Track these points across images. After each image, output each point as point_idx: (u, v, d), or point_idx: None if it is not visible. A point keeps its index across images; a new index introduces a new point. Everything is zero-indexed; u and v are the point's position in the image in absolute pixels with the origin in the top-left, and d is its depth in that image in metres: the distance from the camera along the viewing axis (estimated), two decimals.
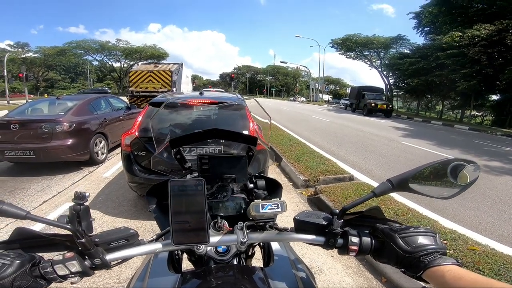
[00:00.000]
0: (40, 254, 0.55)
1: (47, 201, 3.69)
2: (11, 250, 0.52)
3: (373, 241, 0.61)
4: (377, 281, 2.22)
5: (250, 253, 0.95)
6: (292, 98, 55.47)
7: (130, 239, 0.60)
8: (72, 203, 0.59)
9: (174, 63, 13.52)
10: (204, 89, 4.45)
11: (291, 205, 3.64)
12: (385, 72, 34.34)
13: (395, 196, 3.56)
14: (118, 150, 6.05)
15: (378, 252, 0.61)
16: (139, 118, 3.25)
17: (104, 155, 5.64)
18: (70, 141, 4.70)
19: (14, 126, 4.54)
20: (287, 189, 4.20)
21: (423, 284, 0.60)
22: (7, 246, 0.54)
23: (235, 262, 0.78)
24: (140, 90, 11.72)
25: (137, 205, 3.52)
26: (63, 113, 5.01)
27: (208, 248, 0.73)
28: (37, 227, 2.63)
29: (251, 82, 75.63)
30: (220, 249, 0.75)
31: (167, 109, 3.07)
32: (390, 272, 2.18)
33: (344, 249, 0.63)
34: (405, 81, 26.22)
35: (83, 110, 5.36)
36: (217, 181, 0.84)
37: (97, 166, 5.31)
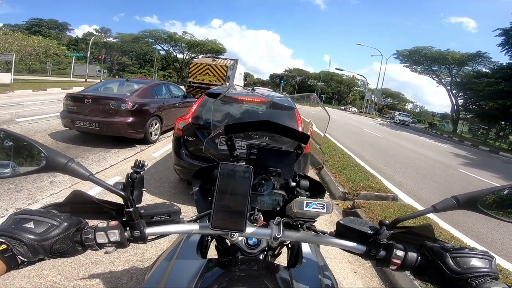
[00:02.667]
0: (88, 221, 0.57)
1: (100, 172, 4.03)
2: (63, 212, 0.54)
3: (419, 257, 0.57)
4: None
5: (276, 252, 0.94)
6: (343, 107, 53.01)
7: (172, 215, 0.61)
8: (130, 171, 0.61)
9: (230, 59, 14.03)
10: (255, 87, 4.48)
11: (324, 216, 3.54)
12: (454, 91, 31.32)
13: (439, 220, 3.34)
14: (170, 133, 6.58)
15: (421, 269, 0.57)
16: (194, 106, 3.47)
17: (157, 136, 6.09)
18: (130, 119, 5.23)
19: (87, 100, 5.18)
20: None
21: None
22: (60, 208, 0.56)
23: (261, 258, 0.78)
24: (197, 81, 12.39)
25: (177, 188, 3.74)
26: (129, 94, 5.64)
27: (239, 239, 0.72)
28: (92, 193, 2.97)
29: (301, 86, 73.90)
30: (250, 242, 0.75)
31: (221, 101, 3.18)
32: None
33: (384, 261, 0.59)
34: (478, 103, 23.51)
35: (147, 93, 5.92)
36: (261, 173, 0.84)
37: (148, 145, 5.75)
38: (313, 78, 75.63)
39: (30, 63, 25.35)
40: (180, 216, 0.63)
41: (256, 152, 0.85)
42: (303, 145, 0.86)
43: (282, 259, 0.91)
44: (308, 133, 0.87)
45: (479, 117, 24.76)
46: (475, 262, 0.51)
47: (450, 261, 0.52)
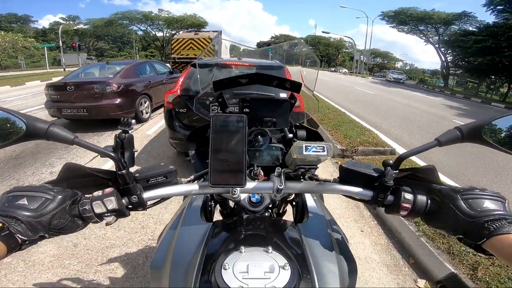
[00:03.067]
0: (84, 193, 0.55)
1: (97, 157, 4.01)
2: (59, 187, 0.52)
3: (429, 200, 0.53)
4: (404, 261, 2.07)
5: (281, 211, 0.92)
6: (333, 69, 52.45)
7: (169, 176, 0.58)
8: (119, 131, 0.58)
9: (213, 31, 13.62)
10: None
11: (324, 174, 3.54)
12: (443, 49, 31.64)
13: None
14: (161, 110, 6.44)
15: (432, 215, 0.53)
16: (181, 79, 3.41)
17: (148, 114, 6.15)
18: (118, 101, 5.22)
19: (69, 88, 5.07)
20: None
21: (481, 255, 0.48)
22: (54, 184, 0.53)
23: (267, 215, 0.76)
24: (182, 56, 11.98)
25: (176, 162, 3.70)
26: (112, 76, 5.57)
27: (242, 197, 0.71)
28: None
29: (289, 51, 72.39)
30: (253, 199, 0.72)
31: (209, 70, 3.15)
32: (420, 254, 2.02)
33: (394, 207, 0.55)
34: (467, 59, 23.98)
35: (130, 73, 5.85)
36: (256, 124, 0.81)
37: (141, 124, 5.77)
38: None
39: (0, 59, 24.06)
40: (178, 178, 0.61)
41: (249, 104, 0.83)
42: (296, 95, 0.82)
43: (288, 218, 0.89)
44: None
45: (469, 72, 25.30)
46: (488, 204, 0.47)
47: (462, 203, 0.48)
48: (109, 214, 0.51)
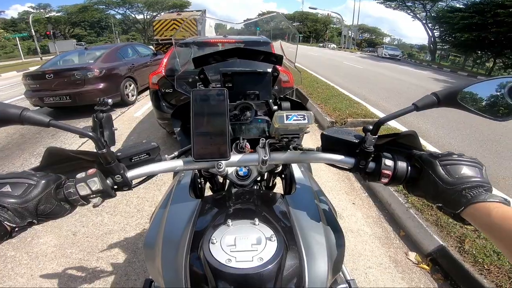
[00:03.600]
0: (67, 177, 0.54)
1: (86, 142, 3.94)
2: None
3: (409, 167, 0.54)
4: (395, 234, 2.10)
5: (271, 184, 0.93)
6: (321, 45, 51.81)
7: (151, 153, 0.58)
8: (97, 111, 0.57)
9: (197, 10, 13.54)
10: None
11: (315, 146, 3.58)
12: (430, 25, 31.62)
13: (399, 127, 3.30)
14: (147, 92, 6.36)
15: (414, 182, 0.54)
16: (165, 60, 3.40)
17: (134, 96, 6.12)
18: (101, 85, 5.16)
19: (49, 76, 4.97)
20: (312, 130, 4.12)
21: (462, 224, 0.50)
22: (39, 169, 0.53)
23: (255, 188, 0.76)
24: (165, 38, 11.59)
25: (166, 143, 3.66)
26: (92, 61, 5.49)
27: (229, 171, 0.71)
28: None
29: (277, 28, 71.10)
30: (241, 172, 0.72)
31: (193, 49, 3.19)
32: (410, 226, 2.06)
33: (375, 175, 0.55)
34: (453, 35, 24.15)
35: (112, 57, 5.76)
36: (240, 98, 0.82)
37: (128, 107, 5.71)
38: (288, 19, 71.85)
39: None
40: (162, 155, 0.61)
41: (231, 78, 0.83)
42: (283, 72, 0.83)
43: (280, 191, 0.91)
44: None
45: (456, 47, 25.63)
46: (466, 171, 0.48)
47: (441, 169, 0.49)
48: (94, 195, 0.50)
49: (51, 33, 22.71)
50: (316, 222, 0.60)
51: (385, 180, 0.55)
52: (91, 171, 0.51)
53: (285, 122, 0.56)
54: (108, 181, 0.52)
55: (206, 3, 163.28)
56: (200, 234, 0.51)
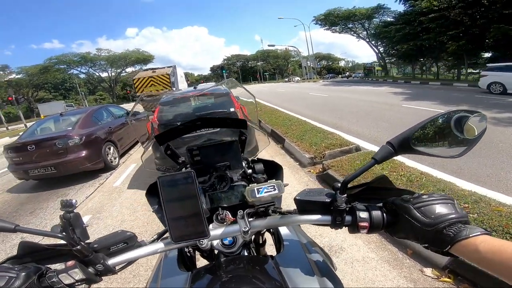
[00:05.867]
0: (48, 266, 0.55)
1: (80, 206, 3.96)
2: (20, 264, 0.52)
3: (384, 214, 0.55)
4: (403, 254, 2.08)
5: (261, 242, 0.92)
6: (286, 79, 54.83)
7: (128, 241, 0.59)
8: (62, 212, 0.57)
9: (168, 67, 15.15)
10: (199, 84, 5.07)
11: (300, 185, 3.57)
12: (373, 42, 35.28)
13: (406, 161, 3.39)
14: (129, 154, 6.79)
15: (393, 226, 0.55)
16: (156, 113, 3.96)
17: (117, 160, 5.91)
18: (84, 152, 4.99)
19: (30, 147, 4.83)
20: (294, 169, 4.14)
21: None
22: (16, 261, 0.54)
23: (246, 253, 0.76)
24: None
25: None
26: (71, 128, 5.33)
27: (215, 243, 0.70)
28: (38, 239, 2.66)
29: (243, 70, 74.59)
30: (226, 242, 0.72)
31: (172, 104, 4.02)
32: (413, 243, 2.04)
33: (354, 227, 0.57)
34: (395, 47, 26.57)
35: (88, 122, 5.63)
36: (211, 171, 0.81)
37: (111, 172, 5.49)
38: (252, 59, 76.81)
39: None
40: (141, 240, 0.62)
41: (198, 152, 0.83)
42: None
43: (272, 246, 0.88)
44: (244, 118, 0.87)
45: (401, 59, 27.97)
46: (440, 209, 0.49)
47: (416, 212, 0.50)
48: (79, 283, 0.51)
49: (13, 98, 21.73)
50: (309, 277, 0.60)
51: (364, 231, 0.56)
52: (70, 263, 0.52)
53: (257, 196, 0.60)
54: (90, 269, 0.53)
55: (169, 54, 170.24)
56: None
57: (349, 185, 0.57)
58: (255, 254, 0.85)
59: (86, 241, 0.55)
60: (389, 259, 2.05)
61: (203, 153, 0.83)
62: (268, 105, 11.76)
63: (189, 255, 0.82)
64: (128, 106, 11.65)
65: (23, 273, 0.48)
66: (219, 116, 0.89)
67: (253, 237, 0.86)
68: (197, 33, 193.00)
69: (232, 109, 3.76)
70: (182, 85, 16.84)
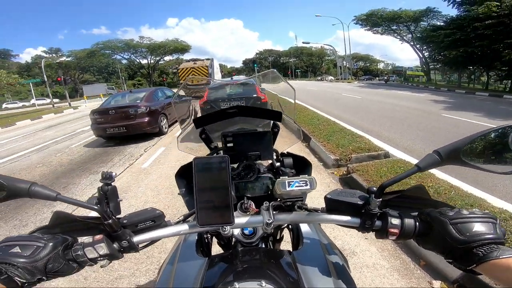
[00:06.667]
0: (76, 238, 0.57)
1: (133, 164, 5.11)
2: (49, 234, 0.54)
3: (418, 223, 0.53)
4: (415, 264, 2.03)
5: (278, 237, 0.92)
6: (319, 78, 53.53)
7: (156, 220, 0.60)
8: (100, 184, 0.60)
9: (206, 59, 17.42)
10: (231, 76, 6.50)
11: (322, 186, 3.47)
12: (418, 46, 33.28)
13: (435, 172, 3.16)
14: (175, 125, 8.42)
15: (423, 237, 0.53)
16: (206, 94, 5.81)
17: (166, 129, 7.84)
18: (147, 119, 6.95)
19: (111, 112, 6.78)
20: (317, 170, 4.06)
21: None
22: (47, 231, 0.56)
23: (263, 246, 0.77)
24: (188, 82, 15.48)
25: (174, 192, 3.64)
26: (139, 101, 7.29)
27: (236, 232, 0.72)
28: (73, 211, 2.91)
29: (275, 65, 74.00)
30: (246, 231, 0.73)
31: (216, 89, 5.82)
32: (431, 254, 1.95)
33: (382, 232, 0.55)
34: (442, 53, 24.61)
35: (150, 98, 7.56)
36: (242, 159, 0.83)
37: (162, 136, 7.44)
38: (284, 55, 76.06)
39: None
40: (166, 219, 0.62)
41: (232, 139, 0.85)
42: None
43: (288, 243, 0.88)
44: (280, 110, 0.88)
45: (447, 65, 25.91)
46: (478, 228, 0.47)
47: (451, 228, 0.48)
48: (101, 258, 0.53)
49: (62, 79, 24.25)
50: (325, 277, 0.59)
51: (393, 238, 0.55)
52: (98, 237, 0.53)
53: (287, 189, 0.59)
54: (115, 245, 0.55)
55: (205, 45, 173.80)
56: None
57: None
58: (272, 248, 0.85)
59: (117, 216, 0.57)
60: (400, 268, 2.01)
61: (237, 140, 0.85)
62: (298, 102, 11.61)
63: (206, 241, 0.83)
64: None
65: (51, 243, 0.49)
66: (256, 106, 0.87)
67: (272, 231, 0.88)
68: (233, 26, 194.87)
69: (255, 95, 5.62)
70: (217, 75, 18.72)
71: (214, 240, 0.89)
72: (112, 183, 0.61)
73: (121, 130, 6.69)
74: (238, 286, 0.49)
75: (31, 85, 29.47)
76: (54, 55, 51.04)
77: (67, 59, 51.00)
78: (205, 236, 0.82)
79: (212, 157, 0.61)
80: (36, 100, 30.93)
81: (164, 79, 51.20)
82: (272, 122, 0.93)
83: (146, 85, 50.49)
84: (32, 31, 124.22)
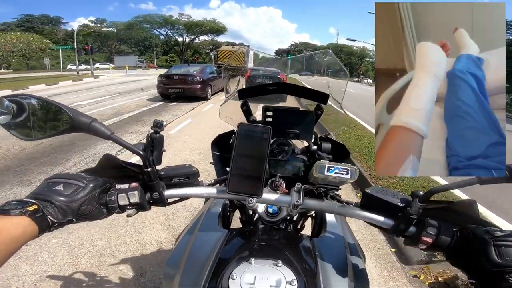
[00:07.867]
0: (115, 182, 0.57)
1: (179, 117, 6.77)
2: (93, 175, 0.53)
3: (455, 238, 0.48)
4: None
5: (299, 226, 0.91)
6: (356, 79, 49.72)
7: (191, 177, 0.60)
8: (151, 131, 0.59)
9: (244, 46, 18.52)
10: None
11: (347, 196, 2.89)
12: None
13: (460, 194, 2.82)
14: (216, 94, 11.00)
15: (455, 252, 0.48)
16: (249, 73, 6.98)
17: (210, 96, 10.44)
18: (199, 86, 9.63)
19: (175, 77, 9.61)
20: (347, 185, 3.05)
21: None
22: (93, 172, 0.55)
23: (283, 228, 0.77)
24: (224, 63, 18.55)
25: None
26: (195, 72, 10.08)
27: (260, 210, 0.72)
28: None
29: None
30: (270, 210, 0.73)
31: (256, 70, 8.08)
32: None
33: (414, 239, 0.50)
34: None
35: (202, 71, 10.43)
36: (279, 136, 0.81)
37: (207, 101, 9.79)
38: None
39: (13, 60, 24.67)
40: (200, 179, 0.62)
41: (272, 114, 0.82)
42: (322, 105, 0.82)
43: (306, 231, 0.86)
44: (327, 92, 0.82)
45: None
46: None
47: (492, 250, 0.42)
48: (130, 207, 0.53)
49: (89, 47, 25.67)
50: (342, 269, 0.59)
51: (423, 247, 0.50)
52: (133, 184, 0.55)
53: (326, 173, 0.54)
54: (146, 196, 0.56)
55: (241, 30, 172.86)
56: (222, 265, 0.53)
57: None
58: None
59: (156, 167, 0.57)
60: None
61: (277, 116, 0.80)
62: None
63: (228, 214, 0.84)
64: None
65: (91, 185, 0.50)
66: (303, 86, 0.79)
67: (296, 215, 0.85)
68: (271, 14, 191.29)
69: (279, 76, 6.14)
70: (251, 64, 22.12)
71: (235, 217, 0.90)
72: (161, 132, 0.58)
73: (180, 91, 9.40)
74: (254, 262, 0.49)
75: (60, 51, 29.61)
76: (99, 25, 52.71)
77: (107, 29, 52.36)
78: (228, 209, 0.85)
79: (256, 125, 0.55)
80: (71, 65, 31.74)
81: (196, 58, 51.14)
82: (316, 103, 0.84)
83: (178, 62, 50.76)
84: (86, 2, 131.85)
